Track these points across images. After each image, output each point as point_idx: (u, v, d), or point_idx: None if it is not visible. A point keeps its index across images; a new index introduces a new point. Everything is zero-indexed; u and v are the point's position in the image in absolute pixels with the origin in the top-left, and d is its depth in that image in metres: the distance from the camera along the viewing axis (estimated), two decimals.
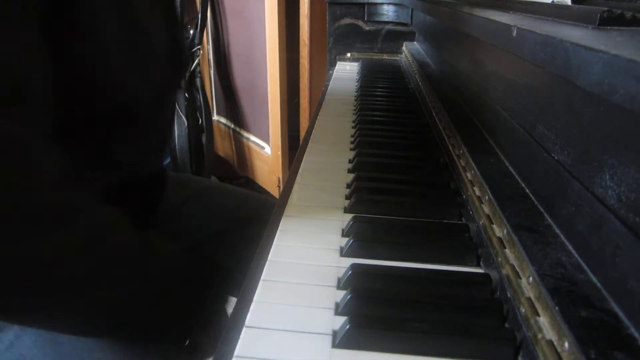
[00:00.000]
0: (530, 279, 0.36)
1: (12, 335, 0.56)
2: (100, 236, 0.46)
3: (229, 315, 0.39)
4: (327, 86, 1.21)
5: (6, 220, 0.39)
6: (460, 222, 0.54)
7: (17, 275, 0.40)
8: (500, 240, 0.43)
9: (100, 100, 0.55)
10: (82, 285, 0.45)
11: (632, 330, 0.30)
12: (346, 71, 1.39)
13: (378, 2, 1.52)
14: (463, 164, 0.60)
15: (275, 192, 2.21)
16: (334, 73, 1.37)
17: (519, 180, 0.52)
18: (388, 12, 1.53)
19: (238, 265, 0.79)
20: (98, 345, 0.56)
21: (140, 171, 0.66)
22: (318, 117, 0.93)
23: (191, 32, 2.14)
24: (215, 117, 2.37)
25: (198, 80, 2.20)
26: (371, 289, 0.42)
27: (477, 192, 0.52)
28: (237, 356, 0.34)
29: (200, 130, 2.06)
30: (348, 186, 0.61)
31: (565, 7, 0.49)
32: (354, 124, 0.88)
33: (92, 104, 0.54)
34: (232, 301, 1.74)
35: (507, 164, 0.56)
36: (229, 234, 0.82)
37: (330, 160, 0.70)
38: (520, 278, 0.38)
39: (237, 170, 2.47)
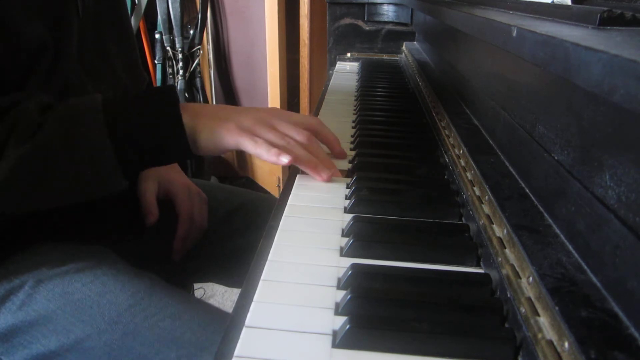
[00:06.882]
0: (530, 279, 0.36)
1: (23, 295, 0.57)
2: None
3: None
4: (327, 86, 1.21)
5: None
6: (460, 222, 0.54)
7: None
8: (500, 240, 0.43)
9: None
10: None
11: (632, 330, 0.30)
12: (346, 71, 1.39)
13: (378, 2, 1.52)
14: (463, 163, 0.60)
15: (275, 192, 2.21)
16: (334, 73, 1.37)
17: (519, 180, 0.52)
18: (388, 12, 1.53)
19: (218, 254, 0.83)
20: (108, 288, 0.58)
21: None
22: (318, 117, 0.92)
23: (191, 32, 2.14)
24: None
25: (198, 80, 2.20)
26: (371, 289, 0.41)
27: (477, 192, 0.52)
28: (237, 356, 0.34)
29: None
30: (348, 186, 0.61)
31: (565, 7, 0.49)
32: (354, 124, 0.88)
33: None
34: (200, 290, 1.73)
35: (507, 164, 0.56)
36: (215, 225, 0.83)
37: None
38: (520, 278, 0.38)
39: (237, 170, 2.47)
